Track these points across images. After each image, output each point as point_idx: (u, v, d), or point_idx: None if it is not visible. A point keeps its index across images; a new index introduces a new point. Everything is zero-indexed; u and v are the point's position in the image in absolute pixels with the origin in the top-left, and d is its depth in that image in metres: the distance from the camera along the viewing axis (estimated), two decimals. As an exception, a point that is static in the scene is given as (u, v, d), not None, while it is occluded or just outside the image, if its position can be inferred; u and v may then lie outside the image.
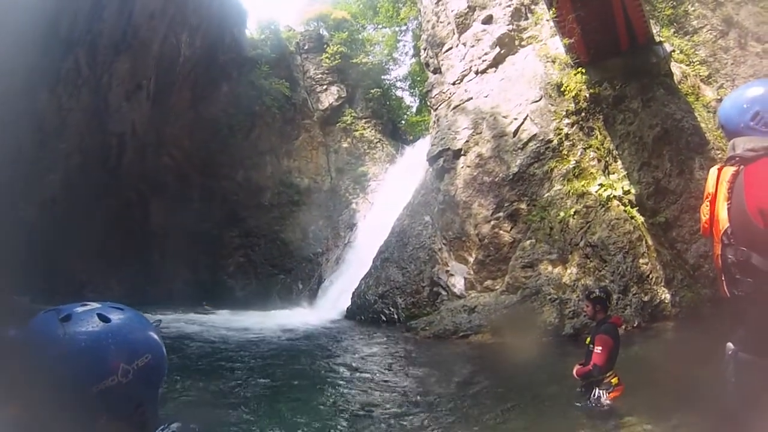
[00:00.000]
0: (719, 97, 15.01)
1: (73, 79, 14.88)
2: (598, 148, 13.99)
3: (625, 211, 12.77)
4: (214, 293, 16.78)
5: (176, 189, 17.18)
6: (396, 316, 15.92)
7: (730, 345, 2.58)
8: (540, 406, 7.41)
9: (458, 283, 15.12)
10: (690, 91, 14.76)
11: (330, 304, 18.06)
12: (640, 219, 12.79)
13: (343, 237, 20.28)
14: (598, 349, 6.03)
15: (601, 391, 6.14)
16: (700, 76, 15.40)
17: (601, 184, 13.23)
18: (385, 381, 9.38)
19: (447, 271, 15.51)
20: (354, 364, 10.83)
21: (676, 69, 14.85)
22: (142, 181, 16.19)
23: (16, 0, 11.67)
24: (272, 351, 11.96)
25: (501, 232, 14.20)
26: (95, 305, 1.30)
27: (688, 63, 15.56)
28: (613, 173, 13.71)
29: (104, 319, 1.26)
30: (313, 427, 6.77)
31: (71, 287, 12.99)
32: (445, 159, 15.87)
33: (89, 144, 14.75)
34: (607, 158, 13.99)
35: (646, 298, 11.86)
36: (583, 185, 13.37)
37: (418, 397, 8.25)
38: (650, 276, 12.06)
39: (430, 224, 16.66)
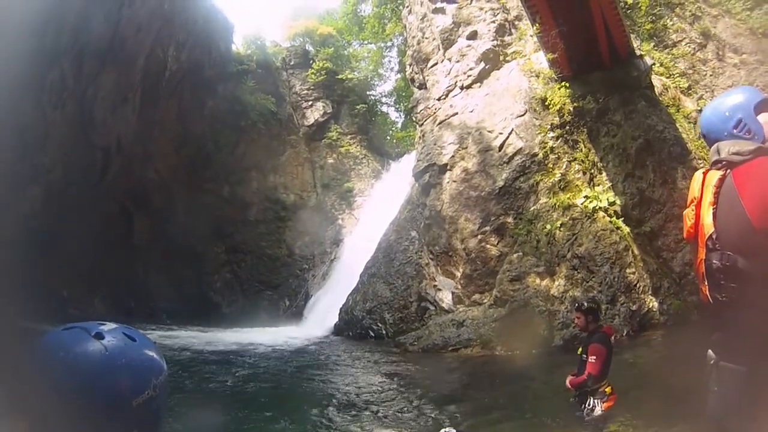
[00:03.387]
0: (699, 108, 15.24)
1: (58, 90, 14.64)
2: (582, 161, 14.10)
3: (611, 222, 12.85)
4: (200, 310, 16.57)
5: (161, 203, 17.00)
6: (384, 332, 15.85)
7: (710, 353, 2.58)
8: (534, 418, 7.40)
9: (446, 298, 15.09)
10: (671, 102, 14.98)
11: (317, 321, 17.98)
12: (626, 229, 12.87)
13: (329, 253, 20.20)
14: (592, 358, 6.01)
15: (595, 401, 6.11)
16: (680, 87, 15.65)
17: (586, 196, 13.32)
18: (374, 396, 9.32)
19: (434, 286, 15.49)
20: (341, 381, 10.78)
21: (657, 81, 15.09)
22: (126, 196, 16.00)
23: (1, 10, 11.53)
24: (258, 368, 11.88)
25: (488, 246, 14.20)
26: (113, 324, 1.35)
27: (668, 75, 15.81)
28: (599, 185, 13.79)
29: (130, 337, 1.33)
30: None
31: (53, 304, 12.73)
32: (431, 174, 15.89)
33: (72, 157, 14.50)
34: (592, 170, 14.09)
35: (634, 307, 11.90)
36: (568, 198, 13.46)
37: (407, 412, 8.22)
38: (638, 285, 12.13)
39: (417, 239, 16.66)
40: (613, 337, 6.51)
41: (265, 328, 17.27)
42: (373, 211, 20.13)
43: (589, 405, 6.11)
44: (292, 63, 25.65)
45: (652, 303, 12.09)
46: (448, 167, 15.39)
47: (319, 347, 15.12)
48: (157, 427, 1.37)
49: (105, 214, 15.47)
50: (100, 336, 1.28)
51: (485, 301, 13.95)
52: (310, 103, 24.53)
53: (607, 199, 13.27)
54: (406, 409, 8.37)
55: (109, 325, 1.34)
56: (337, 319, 17.29)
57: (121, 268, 15.55)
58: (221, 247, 18.35)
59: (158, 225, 16.81)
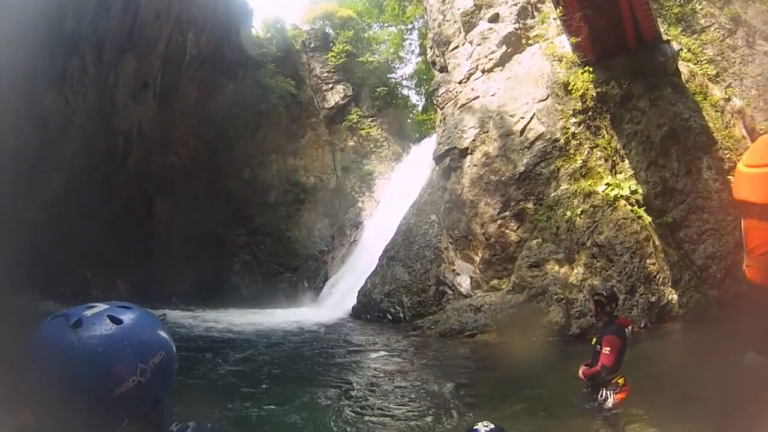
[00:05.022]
0: (727, 96, 14.92)
1: (80, 78, 14.84)
2: (605, 148, 13.94)
3: (632, 210, 12.69)
4: (219, 291, 16.79)
5: (181, 188, 17.18)
6: (402, 315, 15.92)
7: (751, 353, 2.35)
8: (547, 407, 7.40)
9: (464, 282, 15.10)
10: (698, 90, 14.71)
11: (335, 303, 18.06)
12: (648, 219, 12.69)
13: (348, 235, 20.27)
14: (606, 350, 6.04)
15: (608, 392, 6.16)
16: (708, 74, 15.35)
17: (608, 184, 13.17)
18: (389, 380, 9.43)
19: (453, 270, 15.50)
20: (358, 363, 10.91)
21: (684, 68, 14.81)
22: (147, 181, 16.19)
23: (20, 0, 11.66)
24: (277, 349, 12.03)
25: (507, 231, 14.18)
26: (103, 306, 1.27)
27: (695, 62, 15.51)
28: (620, 173, 13.63)
29: (115, 320, 1.23)
30: (315, 424, 6.85)
31: (77, 286, 13.04)
32: (451, 158, 15.86)
33: (95, 144, 14.72)
34: (614, 158, 13.93)
35: (653, 299, 11.81)
36: (590, 185, 13.33)
37: (422, 395, 8.29)
38: (657, 276, 12.01)
39: (437, 223, 16.65)
40: (629, 329, 6.53)
41: (283, 309, 17.42)
42: (393, 194, 20.14)
43: (601, 396, 6.20)
44: (312, 46, 25.54)
45: (672, 295, 11.97)
46: (469, 151, 15.35)
47: (337, 329, 15.20)
48: (155, 412, 1.29)
49: (127, 199, 15.71)
50: (78, 324, 1.20)
51: (503, 286, 13.94)
52: (330, 86, 24.46)
53: (629, 188, 13.11)
54: (421, 394, 8.42)
55: (97, 308, 1.25)
56: (355, 302, 17.37)
57: (142, 251, 15.80)
58: (241, 230, 18.52)
59: (179, 208, 17.00)
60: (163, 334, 1.32)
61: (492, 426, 3.27)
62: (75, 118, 14.28)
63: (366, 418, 7.12)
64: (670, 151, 13.63)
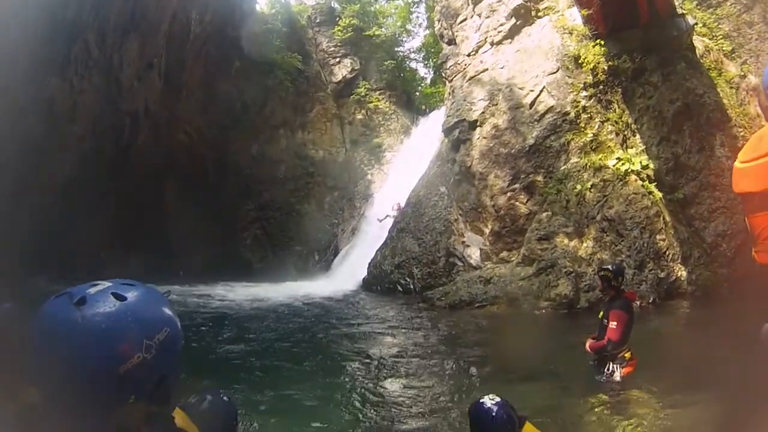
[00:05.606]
0: (742, 73, 14.76)
1: (84, 61, 14.76)
2: (616, 122, 13.89)
3: (643, 186, 12.67)
4: (231, 266, 16.94)
5: (190, 165, 17.25)
6: (412, 287, 16.13)
7: None
8: (553, 379, 7.46)
9: (474, 254, 15.26)
10: (712, 65, 14.56)
11: (346, 275, 18.23)
12: (658, 195, 12.67)
13: (358, 208, 20.39)
14: (613, 324, 6.10)
15: (614, 366, 6.24)
16: (723, 50, 15.16)
17: (618, 158, 13.14)
18: (400, 352, 9.52)
19: (463, 242, 15.65)
20: (369, 335, 11.04)
21: (699, 43, 14.64)
22: (156, 159, 16.21)
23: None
24: (289, 322, 12.17)
25: (517, 203, 14.28)
26: (107, 284, 1.26)
27: (710, 37, 15.29)
28: (632, 147, 13.58)
29: (119, 297, 1.23)
30: (326, 398, 6.92)
31: (91, 266, 13.27)
32: (460, 130, 15.84)
33: (102, 125, 14.75)
34: (626, 132, 13.89)
35: (662, 275, 11.86)
36: (600, 159, 13.31)
37: (432, 368, 8.37)
38: (667, 253, 12.04)
39: (446, 195, 16.76)
40: (637, 303, 6.58)
41: (294, 282, 17.56)
42: (402, 167, 20.19)
43: (608, 370, 6.28)
44: (318, 21, 25.29)
45: (681, 272, 12.03)
46: (478, 123, 15.33)
47: (348, 301, 15.37)
48: (161, 389, 1.27)
49: (137, 178, 15.77)
50: (82, 301, 1.19)
51: (513, 259, 14.08)
52: (337, 60, 24.31)
53: (640, 163, 13.05)
54: (431, 365, 8.55)
55: (101, 285, 1.25)
56: (365, 274, 17.61)
57: (153, 229, 15.91)
58: (251, 205, 18.61)
59: (188, 185, 17.08)
60: (167, 310, 1.32)
61: (498, 399, 3.41)
62: (81, 101, 14.29)
63: (376, 391, 7.19)
64: (682, 127, 13.56)
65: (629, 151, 13.40)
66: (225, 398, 2.54)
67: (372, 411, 6.40)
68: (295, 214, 19.31)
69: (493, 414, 3.26)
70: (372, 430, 5.86)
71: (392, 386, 7.44)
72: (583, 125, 13.94)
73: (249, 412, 5.99)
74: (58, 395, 1.17)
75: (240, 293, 15.33)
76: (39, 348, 1.18)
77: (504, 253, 14.47)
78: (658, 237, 12.05)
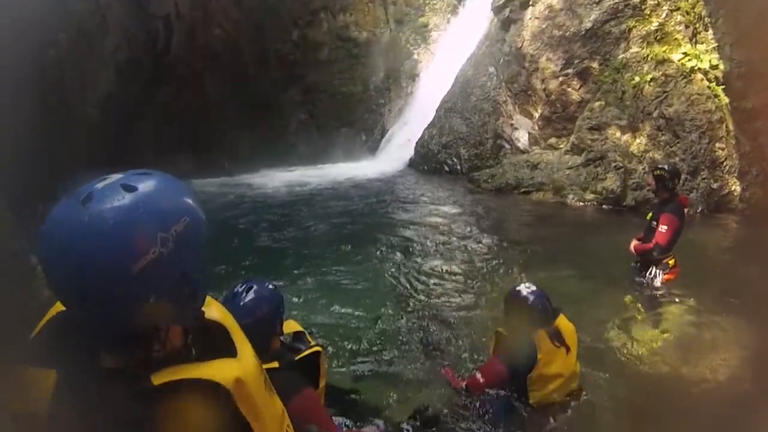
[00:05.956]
0: None
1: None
2: (687, 12, 12.39)
3: (708, 87, 11.53)
4: (278, 153, 17.13)
5: (229, 58, 16.75)
6: (459, 167, 16.18)
7: None
8: (594, 273, 7.45)
9: (522, 138, 15.04)
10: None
11: (393, 155, 18.22)
12: (725, 100, 11.55)
13: (405, 88, 19.75)
14: (662, 228, 5.90)
15: (657, 271, 6.17)
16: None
17: (685, 53, 11.93)
18: (445, 235, 9.69)
19: (511, 125, 15.35)
20: (415, 216, 11.20)
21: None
22: (195, 59, 15.79)
23: None
24: (333, 204, 12.43)
25: (569, 89, 13.62)
26: (118, 176, 1.14)
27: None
28: (702, 43, 12.22)
29: (129, 188, 1.10)
30: (371, 282, 7.17)
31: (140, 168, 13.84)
32: (511, 9, 14.71)
33: (135, 33, 14.24)
34: (697, 25, 12.41)
35: (715, 186, 11.30)
36: (664, 51, 12.14)
37: (476, 252, 8.55)
38: (724, 163, 11.33)
39: (495, 76, 16.07)
40: (686, 210, 6.30)
41: (342, 164, 17.73)
42: (449, 46, 19.10)
43: (650, 274, 6.22)
44: None
45: (735, 186, 11.37)
46: (531, 2, 14.14)
47: (395, 182, 15.52)
48: (184, 286, 1.16)
49: (178, 79, 15.58)
50: (89, 198, 1.07)
51: (561, 146, 13.78)
52: (377, -64, 21.86)
53: (709, 62, 11.80)
54: (474, 248, 8.71)
55: (110, 179, 1.13)
56: (412, 153, 17.73)
57: (199, 125, 15.98)
58: (295, 90, 18.27)
59: (229, 78, 16.78)
60: (187, 199, 1.19)
61: (534, 288, 3.66)
62: (109, 14, 13.69)
63: (420, 275, 7.37)
64: (763, 30, 11.90)
65: (698, 47, 12.08)
66: (270, 286, 2.68)
67: (415, 294, 6.65)
68: (340, 96, 18.94)
69: (529, 302, 3.60)
70: (415, 313, 6.08)
71: (435, 269, 7.62)
72: (648, 12, 12.59)
73: (294, 299, 6.18)
74: (74, 303, 1.10)
75: (285, 178, 15.54)
76: (48, 255, 1.08)
77: (552, 140, 14.19)
78: (717, 145, 11.27)
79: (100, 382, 1.11)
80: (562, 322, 3.69)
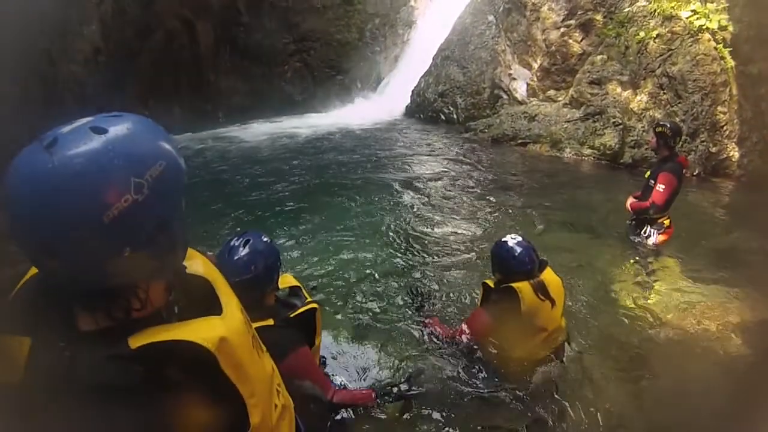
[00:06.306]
0: None
1: None
2: None
3: (715, 48, 11.16)
4: (272, 102, 16.86)
5: (220, 6, 16.19)
6: (455, 116, 16.04)
7: None
8: (587, 229, 7.51)
9: (520, 88, 14.84)
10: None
11: (389, 103, 18.00)
12: (731, 63, 11.16)
13: (401, 35, 19.32)
14: (660, 187, 5.87)
15: (652, 230, 6.20)
16: None
17: (694, 11, 11.48)
18: (440, 182, 9.75)
19: (509, 75, 15.12)
20: (411, 165, 11.17)
21: None
22: (184, 7, 15.17)
23: None
24: (328, 152, 12.34)
25: (570, 41, 13.33)
26: (86, 119, 1.05)
27: None
28: (712, 2, 11.63)
29: (99, 131, 1.01)
30: (364, 228, 7.27)
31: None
32: (513, -45, 14.27)
33: None
34: None
35: (713, 149, 11.11)
36: (672, 7, 11.71)
37: (469, 203, 8.58)
38: (725, 128, 11.09)
39: (494, 24, 15.71)
40: (684, 171, 6.19)
41: (337, 111, 17.59)
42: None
43: (645, 233, 6.26)
44: None
45: (734, 152, 11.17)
46: (533, -52, 13.71)
47: (391, 129, 15.41)
48: (162, 236, 1.08)
49: (166, 31, 15.01)
50: (53, 143, 0.98)
51: (560, 99, 13.61)
52: None
53: (719, 22, 11.31)
54: (468, 202, 8.70)
55: (78, 122, 1.03)
56: (409, 101, 17.52)
57: (192, 76, 15.58)
58: (289, 38, 17.70)
59: (221, 28, 16.27)
60: (163, 142, 1.10)
61: (520, 239, 3.63)
62: None
63: (415, 225, 7.43)
64: None
65: (708, 5, 11.52)
66: (266, 239, 2.63)
67: (410, 244, 6.67)
68: (335, 43, 18.43)
69: (514, 253, 3.56)
70: (409, 264, 6.14)
71: (431, 219, 7.67)
72: (656, -35, 12.03)
73: (289, 251, 6.23)
74: (43, 260, 1.02)
75: (278, 128, 15.36)
76: (11, 206, 0.97)
77: (551, 92, 14.00)
78: (719, 108, 10.99)
79: (74, 347, 1.03)
80: (549, 275, 3.64)
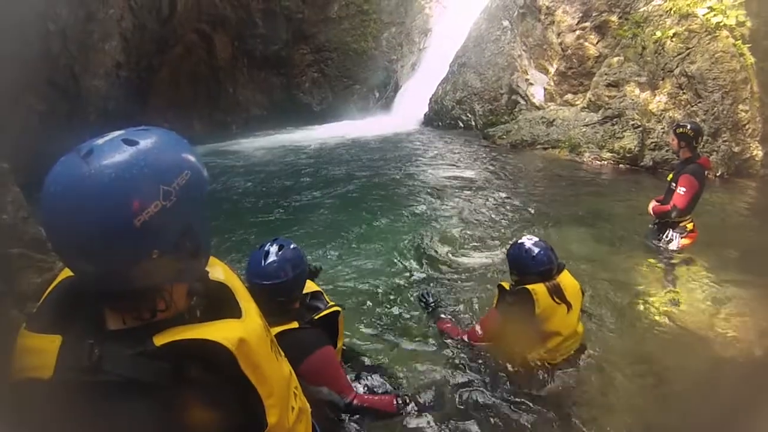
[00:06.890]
0: None
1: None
2: None
3: (734, 45, 10.90)
4: (291, 112, 17.02)
5: (237, 19, 16.46)
6: (473, 123, 16.11)
7: None
8: (608, 232, 7.40)
9: (537, 93, 14.80)
10: None
11: (407, 111, 18.10)
12: (751, 59, 10.94)
13: (417, 42, 19.43)
14: (681, 189, 5.71)
15: (674, 234, 6.00)
16: None
17: (710, 8, 11.24)
18: (460, 190, 9.69)
19: (526, 80, 15.10)
20: (431, 173, 11.15)
21: None
22: (201, 21, 15.48)
23: None
24: (348, 161, 12.42)
25: (586, 44, 13.28)
26: (119, 132, 1.14)
27: None
28: None
29: (130, 143, 1.10)
30: (384, 236, 7.24)
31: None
32: (526, -40, 14.25)
33: (137, 1, 14.08)
34: None
35: (736, 149, 10.86)
36: (688, 5, 11.52)
37: (490, 208, 8.53)
38: (747, 126, 10.85)
39: (509, 29, 15.75)
40: (707, 173, 6.00)
41: (355, 121, 17.61)
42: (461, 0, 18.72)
43: (667, 236, 6.05)
44: None
45: (757, 151, 10.93)
46: (546, -48, 13.68)
47: (409, 138, 15.44)
48: (187, 240, 1.17)
49: (184, 44, 15.33)
50: (89, 153, 1.06)
51: (578, 102, 13.54)
52: None
53: (736, 18, 11.07)
54: (489, 207, 8.65)
55: (111, 135, 1.12)
56: (426, 109, 17.55)
57: (211, 88, 15.89)
58: (306, 49, 17.91)
59: (238, 39, 16.55)
60: (188, 153, 1.19)
61: (536, 240, 3.59)
62: None
63: (435, 230, 7.43)
64: None
65: (725, 1, 11.28)
66: (294, 246, 2.71)
67: (429, 253, 6.60)
68: (352, 53, 18.60)
69: (533, 254, 3.52)
70: (426, 271, 6.10)
71: (449, 228, 7.59)
72: (671, -37, 11.89)
73: (312, 257, 6.15)
74: (77, 261, 1.10)
75: (297, 138, 15.45)
76: (49, 212, 1.06)
77: (569, 96, 13.93)
78: (740, 107, 10.73)
79: (102, 344, 1.10)
80: (566, 278, 3.58)
